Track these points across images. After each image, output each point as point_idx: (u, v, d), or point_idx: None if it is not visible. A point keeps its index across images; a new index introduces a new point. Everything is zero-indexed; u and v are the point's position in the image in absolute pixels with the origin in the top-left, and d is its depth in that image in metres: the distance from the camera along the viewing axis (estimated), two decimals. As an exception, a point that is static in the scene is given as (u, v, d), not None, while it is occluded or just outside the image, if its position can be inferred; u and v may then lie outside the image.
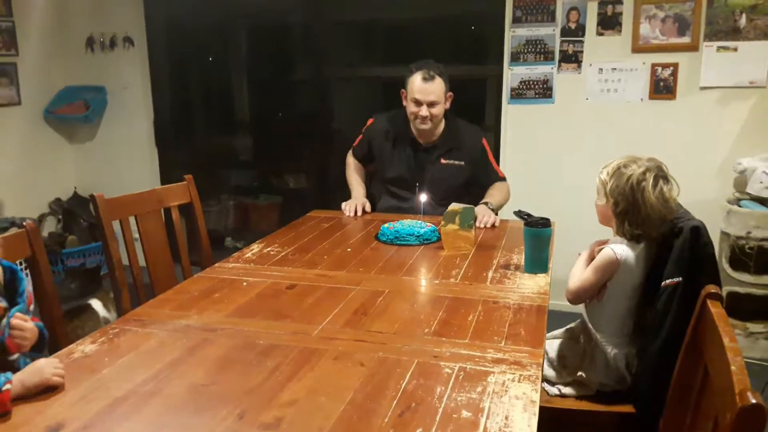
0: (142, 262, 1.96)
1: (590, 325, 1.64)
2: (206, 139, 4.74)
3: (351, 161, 2.71)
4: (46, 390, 1.10)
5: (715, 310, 1.02)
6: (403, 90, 2.45)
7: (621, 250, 1.54)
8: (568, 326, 1.76)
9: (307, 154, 4.37)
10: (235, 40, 4.56)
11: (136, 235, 1.97)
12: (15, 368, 1.14)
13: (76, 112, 3.95)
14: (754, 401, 0.72)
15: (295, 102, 4.48)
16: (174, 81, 4.32)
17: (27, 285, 1.24)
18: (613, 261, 1.54)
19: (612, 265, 1.55)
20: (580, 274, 1.61)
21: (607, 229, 1.66)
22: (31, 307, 1.26)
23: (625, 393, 1.58)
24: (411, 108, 2.40)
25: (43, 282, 1.56)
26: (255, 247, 2.02)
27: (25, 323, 1.17)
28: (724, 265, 2.85)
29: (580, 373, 1.62)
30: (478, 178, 2.51)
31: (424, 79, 2.35)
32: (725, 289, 2.85)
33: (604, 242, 1.63)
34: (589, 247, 1.68)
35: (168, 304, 1.54)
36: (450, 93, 2.43)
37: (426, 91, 2.34)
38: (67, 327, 2.76)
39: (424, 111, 2.36)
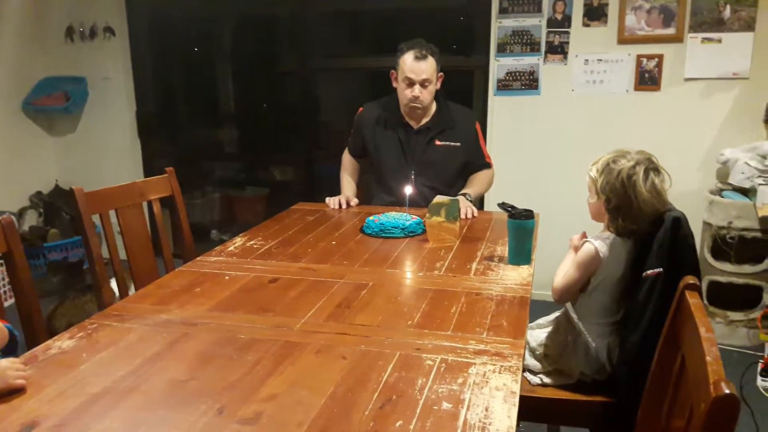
0: (123, 255, 1.94)
1: (573, 315, 1.65)
2: (191, 131, 4.70)
3: (345, 160, 2.65)
4: (14, 390, 1.07)
5: (693, 301, 1.03)
6: (393, 71, 2.38)
7: (602, 245, 1.54)
8: (550, 316, 1.76)
9: (294, 146, 4.34)
10: (220, 30, 4.51)
11: (118, 229, 1.95)
12: None
13: (56, 103, 3.89)
14: (727, 391, 0.72)
15: (281, 93, 4.45)
16: (157, 72, 4.26)
17: None
18: (594, 257, 1.54)
19: (594, 260, 1.55)
20: (564, 271, 1.61)
21: (592, 221, 1.65)
22: None
23: (605, 382, 1.59)
24: (402, 88, 2.34)
25: (20, 278, 1.54)
26: (238, 241, 2.01)
27: None
28: (706, 254, 2.88)
29: (560, 363, 1.63)
30: (468, 163, 2.50)
31: (417, 57, 2.29)
32: (707, 279, 2.88)
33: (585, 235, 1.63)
34: (574, 240, 1.68)
35: (148, 299, 1.53)
36: (441, 73, 2.38)
37: (418, 70, 2.29)
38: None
39: (416, 90, 2.30)
